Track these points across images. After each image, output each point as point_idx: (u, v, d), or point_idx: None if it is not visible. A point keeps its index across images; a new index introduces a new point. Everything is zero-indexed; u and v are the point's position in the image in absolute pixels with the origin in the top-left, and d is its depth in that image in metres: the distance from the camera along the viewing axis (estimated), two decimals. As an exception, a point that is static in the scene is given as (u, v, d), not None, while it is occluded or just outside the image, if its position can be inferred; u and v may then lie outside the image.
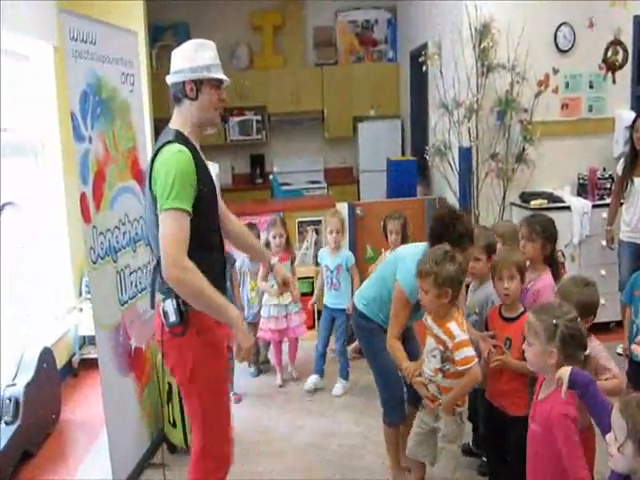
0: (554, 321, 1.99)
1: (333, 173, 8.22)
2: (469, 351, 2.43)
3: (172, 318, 2.16)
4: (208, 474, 2.30)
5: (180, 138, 2.19)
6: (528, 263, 2.87)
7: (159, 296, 2.23)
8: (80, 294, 4.57)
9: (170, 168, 2.08)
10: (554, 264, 3.00)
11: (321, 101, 7.87)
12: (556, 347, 1.98)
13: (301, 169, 8.05)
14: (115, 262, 2.97)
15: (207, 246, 2.21)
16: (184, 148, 2.14)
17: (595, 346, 2.32)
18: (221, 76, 2.26)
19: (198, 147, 2.26)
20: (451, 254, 2.45)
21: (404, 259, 2.76)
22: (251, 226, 4.36)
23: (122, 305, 3.02)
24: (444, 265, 2.40)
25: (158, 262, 2.16)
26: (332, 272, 4.14)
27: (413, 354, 2.84)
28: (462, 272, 2.49)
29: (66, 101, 2.82)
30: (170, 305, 2.16)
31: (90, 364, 4.16)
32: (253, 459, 3.29)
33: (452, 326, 2.45)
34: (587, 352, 2.13)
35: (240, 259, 4.20)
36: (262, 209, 5.48)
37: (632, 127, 4.29)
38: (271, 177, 7.74)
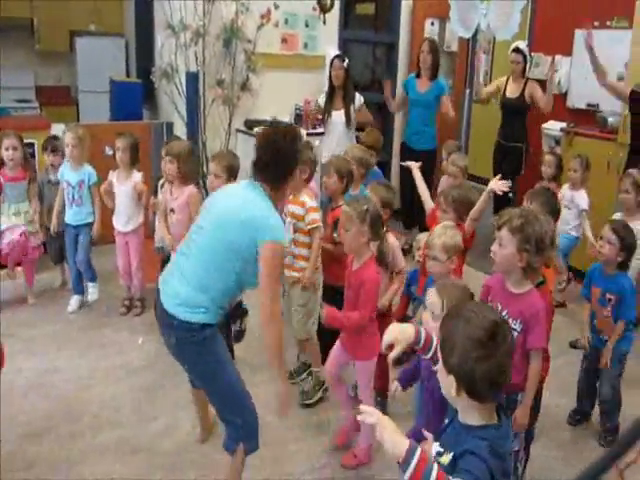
0: (365, 207, 2.52)
1: (47, 92, 7.47)
2: (316, 215, 3.01)
3: None
4: None
5: None
6: None
7: None
8: None
9: None
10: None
11: (29, 8, 6.97)
12: (367, 226, 2.52)
13: (7, 85, 7.08)
14: None
15: None
16: None
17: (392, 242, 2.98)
18: None
19: None
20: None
21: (259, 218, 2.13)
22: None
23: None
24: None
25: None
26: (74, 188, 3.97)
27: None
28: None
29: None
30: None
31: None
32: None
33: (303, 197, 3.00)
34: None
35: None
36: (-39, 127, 4.73)
37: (330, 66, 4.95)
38: (-31, 92, 6.69)
